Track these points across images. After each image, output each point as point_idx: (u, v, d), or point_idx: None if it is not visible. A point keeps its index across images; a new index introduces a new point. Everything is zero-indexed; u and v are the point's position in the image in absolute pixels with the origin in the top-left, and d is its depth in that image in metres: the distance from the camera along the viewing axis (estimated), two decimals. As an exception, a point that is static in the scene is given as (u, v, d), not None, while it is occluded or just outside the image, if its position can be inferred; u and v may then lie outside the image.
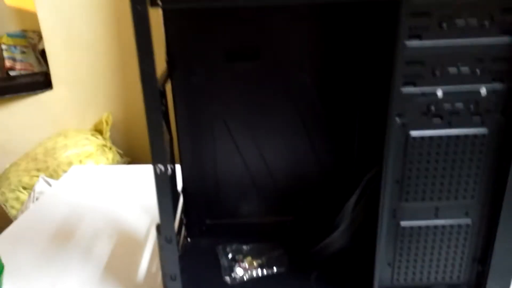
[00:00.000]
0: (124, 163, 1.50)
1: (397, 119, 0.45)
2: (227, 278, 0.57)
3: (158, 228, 0.49)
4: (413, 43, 0.42)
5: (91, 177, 0.94)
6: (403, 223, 0.49)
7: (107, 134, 1.49)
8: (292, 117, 0.60)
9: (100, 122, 1.51)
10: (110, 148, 1.46)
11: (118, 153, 1.49)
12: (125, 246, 0.68)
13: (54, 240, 0.69)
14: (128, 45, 1.45)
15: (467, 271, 0.52)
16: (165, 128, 0.48)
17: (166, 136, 0.51)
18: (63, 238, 0.70)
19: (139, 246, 0.67)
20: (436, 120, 0.45)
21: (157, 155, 0.45)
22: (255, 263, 0.60)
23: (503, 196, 0.47)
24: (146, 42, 0.41)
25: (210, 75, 0.58)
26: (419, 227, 0.49)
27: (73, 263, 0.64)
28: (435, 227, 0.49)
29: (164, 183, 0.46)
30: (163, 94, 0.50)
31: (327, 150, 0.62)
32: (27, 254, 0.66)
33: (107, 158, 1.42)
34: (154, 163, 0.45)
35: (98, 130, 1.52)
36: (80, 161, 1.37)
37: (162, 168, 0.45)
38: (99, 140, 1.44)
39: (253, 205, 0.66)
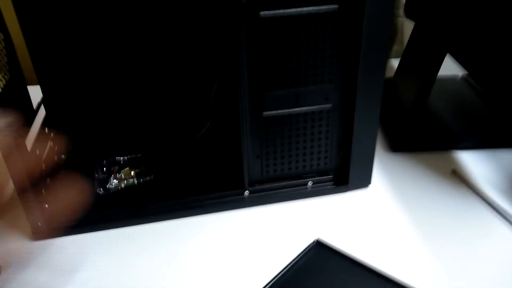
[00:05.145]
0: None
1: (243, -1, 0.42)
2: (100, 190, 0.55)
3: None
4: None
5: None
6: (266, 113, 0.49)
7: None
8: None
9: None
10: None
11: None
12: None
13: None
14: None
15: (333, 157, 0.54)
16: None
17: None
18: None
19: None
20: (285, -1, 0.43)
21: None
22: (132, 173, 0.58)
23: (357, 78, 0.47)
24: None
25: None
26: (282, 116, 0.49)
27: None
28: (297, 114, 0.49)
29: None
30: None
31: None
32: None
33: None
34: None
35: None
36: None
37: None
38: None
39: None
